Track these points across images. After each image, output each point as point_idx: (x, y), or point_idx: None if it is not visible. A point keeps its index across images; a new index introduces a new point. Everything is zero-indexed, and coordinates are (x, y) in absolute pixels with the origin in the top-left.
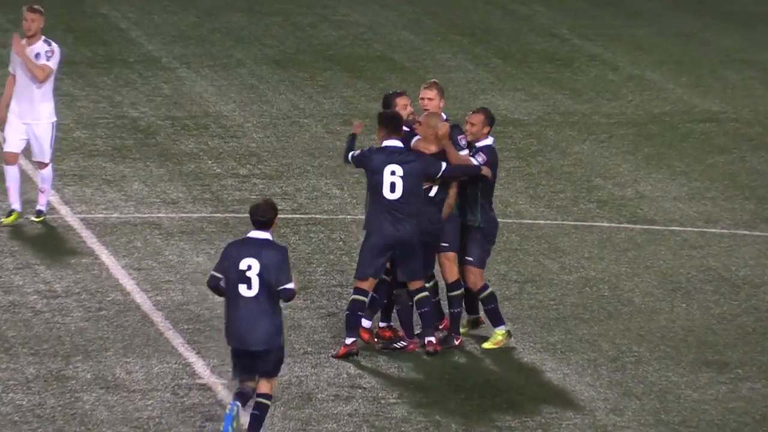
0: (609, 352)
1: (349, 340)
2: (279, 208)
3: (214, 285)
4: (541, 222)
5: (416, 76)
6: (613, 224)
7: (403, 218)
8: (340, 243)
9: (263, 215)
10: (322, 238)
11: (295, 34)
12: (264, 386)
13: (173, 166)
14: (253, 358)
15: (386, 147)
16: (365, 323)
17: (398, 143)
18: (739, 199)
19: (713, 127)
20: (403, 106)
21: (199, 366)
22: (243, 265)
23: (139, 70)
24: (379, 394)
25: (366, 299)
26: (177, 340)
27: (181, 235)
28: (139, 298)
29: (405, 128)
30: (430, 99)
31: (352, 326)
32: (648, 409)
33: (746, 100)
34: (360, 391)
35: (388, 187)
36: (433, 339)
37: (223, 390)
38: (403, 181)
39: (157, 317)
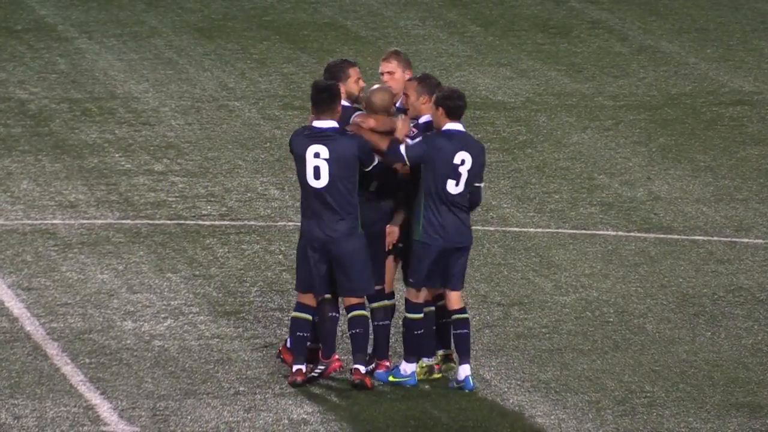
0: (615, 392)
1: (294, 367)
2: (203, 213)
3: None
4: (531, 230)
5: (375, 47)
6: (620, 233)
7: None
8: (280, 256)
9: (459, 99)
10: (258, 251)
11: None
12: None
13: (71, 160)
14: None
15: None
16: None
17: (332, 123)
18: None
19: (745, 111)
20: (354, 80)
21: (104, 410)
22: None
23: (29, 40)
24: None
25: (308, 316)
26: (76, 378)
27: (81, 247)
28: (29, 325)
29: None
30: (390, 73)
31: (295, 351)
32: None
33: None
34: None
35: (312, 174)
36: (361, 368)
37: None
38: (329, 166)
39: (52, 349)
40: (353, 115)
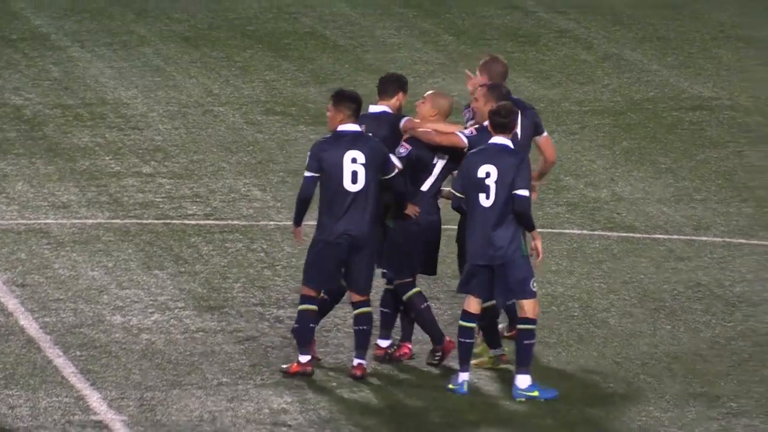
0: (580, 383)
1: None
2: (188, 213)
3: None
4: None
5: (352, 55)
6: (585, 231)
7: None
8: (262, 254)
9: (506, 117)
10: (240, 249)
11: (208, 6)
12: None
13: (64, 163)
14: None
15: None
16: (382, 343)
17: (357, 127)
18: (734, 202)
19: (705, 115)
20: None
21: (94, 400)
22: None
23: (24, 49)
24: None
25: (315, 307)
26: (68, 369)
27: (73, 245)
28: (24, 319)
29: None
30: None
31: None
32: None
33: (744, 85)
34: (284, 429)
35: (350, 178)
36: (363, 362)
37: (122, 427)
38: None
39: (45, 342)
40: (404, 120)
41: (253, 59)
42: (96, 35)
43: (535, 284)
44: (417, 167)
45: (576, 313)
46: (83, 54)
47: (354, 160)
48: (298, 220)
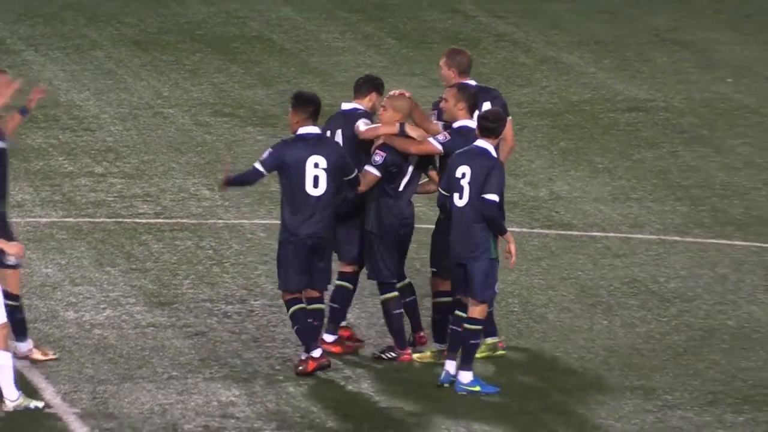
0: (519, 376)
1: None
2: (139, 212)
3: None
4: None
5: (298, 59)
6: (524, 229)
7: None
8: (210, 252)
9: (493, 122)
10: (190, 246)
11: (157, 11)
12: None
13: (18, 163)
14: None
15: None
16: (328, 338)
17: (316, 129)
18: (669, 201)
19: (640, 117)
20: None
21: (49, 392)
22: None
23: None
24: (255, 425)
25: (303, 306)
26: (23, 363)
27: (27, 243)
28: None
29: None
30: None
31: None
32: None
33: (678, 87)
34: (233, 421)
35: (312, 183)
36: (303, 357)
37: (75, 420)
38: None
39: None
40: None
41: (202, 62)
42: (49, 39)
43: (498, 286)
44: (392, 171)
45: (515, 309)
46: (37, 57)
47: (316, 165)
48: (229, 182)
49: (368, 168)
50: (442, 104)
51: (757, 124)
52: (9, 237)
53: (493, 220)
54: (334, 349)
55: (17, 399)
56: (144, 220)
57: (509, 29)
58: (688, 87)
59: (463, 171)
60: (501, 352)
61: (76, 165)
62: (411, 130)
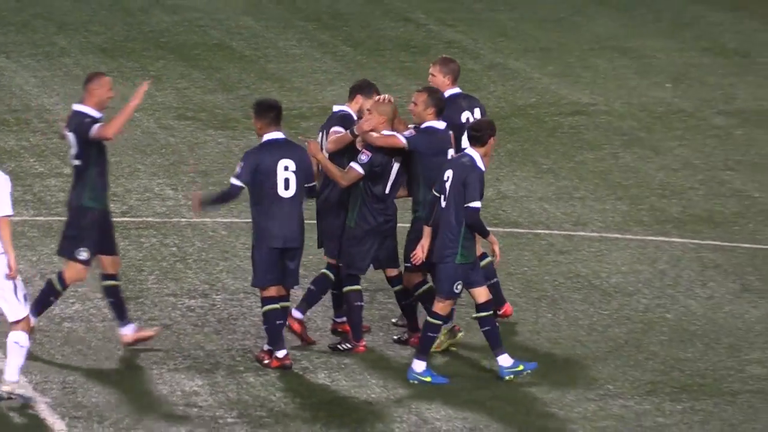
0: (466, 368)
1: (282, 353)
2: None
3: None
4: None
5: (257, 65)
6: None
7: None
8: (174, 249)
9: (478, 131)
10: (155, 243)
11: (124, 20)
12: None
13: None
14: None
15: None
16: (296, 314)
17: (281, 134)
18: (610, 200)
19: (583, 120)
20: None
21: (21, 383)
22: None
23: None
24: (217, 413)
25: (277, 306)
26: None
27: None
28: None
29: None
30: (432, 75)
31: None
32: (510, 429)
33: (619, 92)
34: (196, 410)
35: (283, 185)
36: (265, 348)
37: (46, 408)
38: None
39: None
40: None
41: (166, 69)
42: (21, 47)
43: (459, 287)
44: (376, 171)
45: (464, 302)
46: (9, 64)
47: (286, 168)
48: (208, 203)
49: (353, 165)
50: (412, 107)
51: (693, 127)
52: (110, 232)
53: (474, 226)
54: (295, 326)
55: (15, 382)
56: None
57: (458, 37)
58: (628, 92)
59: (448, 175)
60: (460, 334)
61: (47, 166)
62: (376, 138)
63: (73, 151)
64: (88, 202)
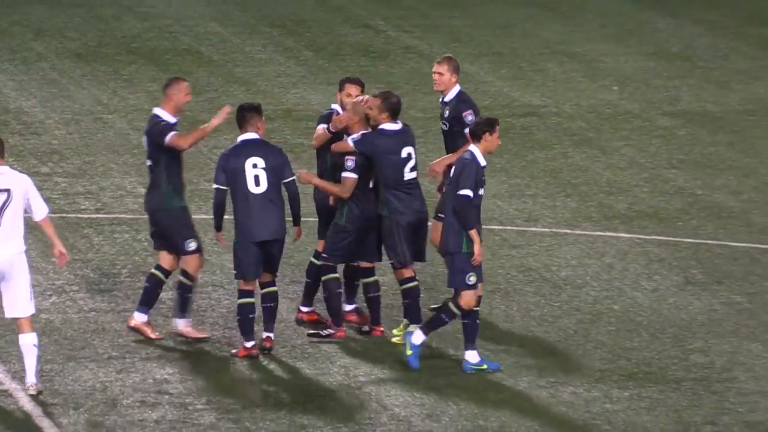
0: (424, 356)
1: (249, 343)
2: (82, 207)
3: None
4: None
5: (224, 69)
6: (429, 223)
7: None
8: (146, 243)
9: (475, 127)
10: (127, 239)
11: (97, 26)
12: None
13: None
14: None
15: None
16: (304, 309)
17: (255, 135)
18: (560, 197)
19: (534, 121)
20: (347, 95)
21: (0, 372)
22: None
23: None
24: (186, 400)
25: (252, 300)
26: None
27: None
28: None
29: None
30: (439, 74)
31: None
32: (465, 415)
33: (568, 94)
34: (167, 396)
35: (253, 182)
36: (271, 335)
37: (24, 396)
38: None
39: None
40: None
41: (138, 73)
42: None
43: (471, 278)
44: (363, 171)
45: (422, 295)
46: None
47: (255, 165)
48: (217, 226)
49: (345, 174)
50: (368, 111)
51: (639, 127)
52: (190, 228)
53: (459, 214)
54: (310, 317)
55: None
56: (86, 216)
57: (415, 42)
58: (577, 94)
59: (452, 169)
60: (411, 328)
61: (24, 165)
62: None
63: (147, 152)
64: (172, 203)
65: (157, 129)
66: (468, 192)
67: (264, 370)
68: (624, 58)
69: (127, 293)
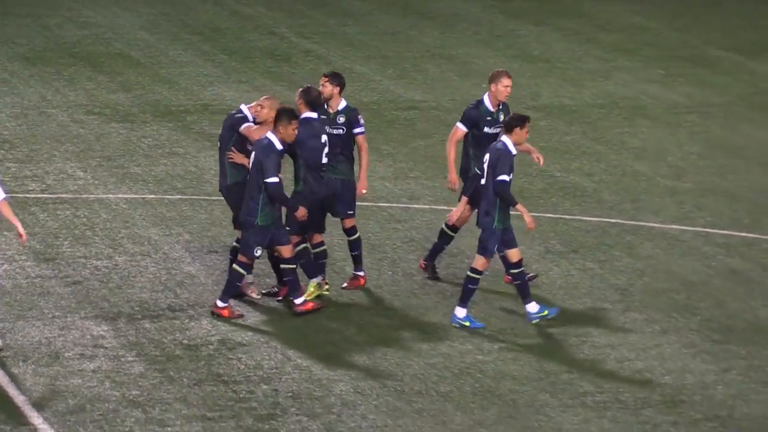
0: (322, 320)
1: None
2: (29, 189)
3: None
4: None
5: (151, 70)
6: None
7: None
8: (84, 219)
9: (509, 121)
10: (68, 215)
11: (43, 33)
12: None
13: None
14: None
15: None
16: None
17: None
18: (438, 179)
19: (416, 114)
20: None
21: None
22: None
23: None
24: (119, 353)
25: (244, 273)
26: None
27: None
28: None
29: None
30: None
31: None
32: (355, 359)
33: (445, 91)
34: (102, 350)
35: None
36: (219, 303)
37: (9, 383)
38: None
39: None
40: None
41: (77, 73)
42: None
43: (495, 249)
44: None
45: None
46: None
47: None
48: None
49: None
50: (297, 102)
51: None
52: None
53: (502, 196)
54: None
55: None
56: (33, 195)
57: (314, 47)
58: (453, 91)
59: (487, 157)
60: (326, 286)
61: None
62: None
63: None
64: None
65: (236, 120)
66: (506, 177)
67: (186, 327)
68: (493, 60)
69: (68, 261)
